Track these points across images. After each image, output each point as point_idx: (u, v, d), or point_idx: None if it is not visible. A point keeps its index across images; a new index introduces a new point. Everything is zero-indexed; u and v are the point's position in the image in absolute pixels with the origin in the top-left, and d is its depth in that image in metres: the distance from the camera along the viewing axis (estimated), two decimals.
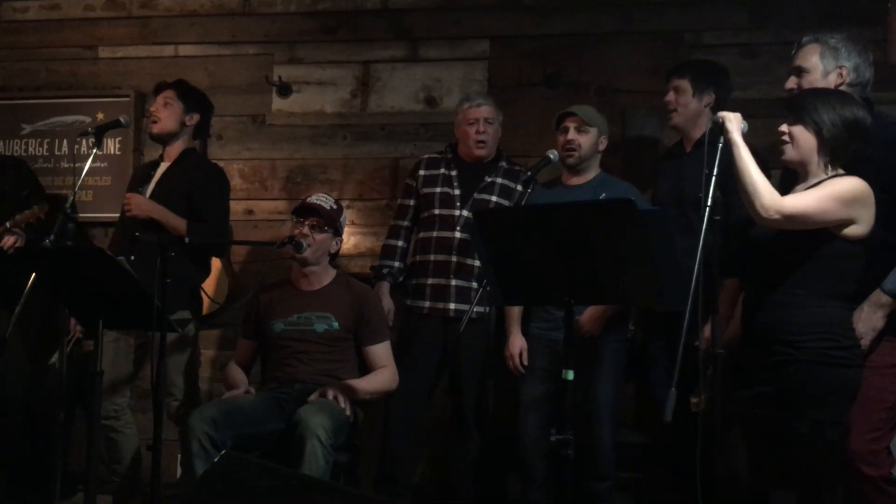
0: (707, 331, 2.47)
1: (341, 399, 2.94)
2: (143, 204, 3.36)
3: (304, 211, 3.17)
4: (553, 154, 3.17)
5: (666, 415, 2.23)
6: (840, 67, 2.69)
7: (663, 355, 3.07)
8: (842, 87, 2.66)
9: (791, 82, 2.77)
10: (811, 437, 2.40)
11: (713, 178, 2.39)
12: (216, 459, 2.33)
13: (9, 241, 3.37)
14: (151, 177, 3.49)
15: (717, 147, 2.44)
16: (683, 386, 2.28)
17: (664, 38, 3.88)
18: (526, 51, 4.00)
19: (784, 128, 2.55)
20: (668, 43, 3.88)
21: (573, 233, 2.23)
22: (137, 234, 2.98)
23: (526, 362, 3.23)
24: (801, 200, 2.44)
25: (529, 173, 3.05)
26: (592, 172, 3.28)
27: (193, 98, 3.49)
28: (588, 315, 3.16)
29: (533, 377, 3.23)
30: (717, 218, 2.39)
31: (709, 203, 2.37)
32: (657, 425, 2.65)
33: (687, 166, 3.12)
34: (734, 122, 2.48)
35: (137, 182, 3.53)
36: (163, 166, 3.49)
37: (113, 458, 3.37)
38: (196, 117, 3.49)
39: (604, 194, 3.13)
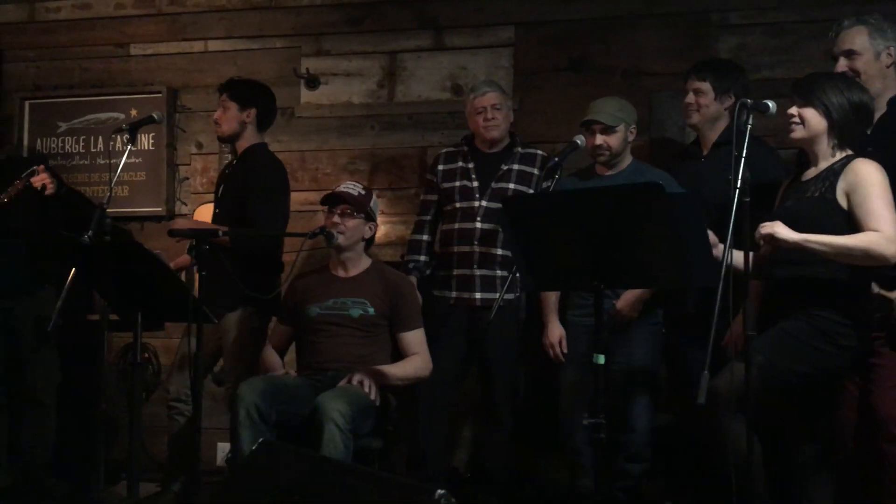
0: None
1: (366, 384, 2.97)
2: (186, 225, 3.43)
3: (333, 199, 3.21)
4: (580, 139, 3.18)
5: (700, 397, 2.25)
6: (888, 47, 2.71)
7: (695, 339, 3.06)
8: (890, 67, 2.68)
9: (842, 65, 2.76)
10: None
11: (742, 161, 2.39)
12: (254, 448, 2.38)
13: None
14: (224, 176, 3.57)
15: (747, 129, 2.45)
16: (716, 368, 2.30)
17: (690, 19, 3.86)
18: (551, 36, 4.00)
19: (793, 110, 2.59)
20: (694, 24, 3.85)
21: (602, 218, 2.24)
22: (170, 229, 3.04)
23: (566, 350, 3.25)
24: (886, 219, 2.48)
25: (557, 159, 3.06)
26: (626, 162, 3.29)
27: (245, 94, 3.52)
28: (624, 300, 3.17)
29: (572, 364, 3.25)
30: (747, 200, 2.39)
31: (738, 185, 2.38)
32: (690, 408, 2.65)
33: (706, 170, 3.11)
34: (779, 229, 2.49)
35: (217, 184, 3.63)
36: (231, 165, 3.56)
37: (170, 438, 3.46)
38: (253, 112, 3.52)
39: None
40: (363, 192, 3.24)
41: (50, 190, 3.35)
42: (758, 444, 2.46)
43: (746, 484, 2.37)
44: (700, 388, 2.26)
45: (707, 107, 3.17)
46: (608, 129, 3.19)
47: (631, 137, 3.27)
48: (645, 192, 2.28)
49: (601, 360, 2.33)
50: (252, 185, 3.40)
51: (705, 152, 3.22)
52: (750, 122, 2.45)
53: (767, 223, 2.53)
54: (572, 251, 2.33)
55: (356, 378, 2.98)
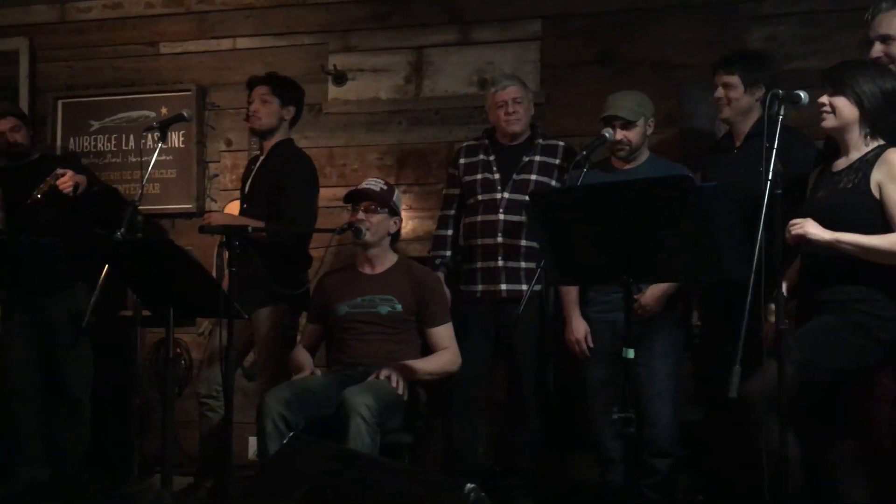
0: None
1: (393, 378, 2.98)
2: (220, 219, 3.46)
3: (355, 197, 3.22)
4: (608, 133, 3.16)
5: (731, 391, 2.22)
6: None
7: (725, 332, 3.03)
8: None
9: (877, 51, 2.71)
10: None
11: (773, 152, 2.36)
12: (284, 442, 2.39)
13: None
14: (251, 172, 3.58)
15: (777, 120, 2.41)
16: (747, 362, 2.27)
17: (719, 10, 3.81)
18: (578, 29, 3.97)
19: (824, 99, 2.55)
20: (723, 14, 3.81)
21: (631, 211, 2.22)
22: (201, 225, 3.07)
23: (592, 344, 3.24)
24: None
25: (584, 153, 3.05)
26: (643, 156, 3.27)
27: (288, 91, 3.55)
28: (650, 295, 3.15)
29: (596, 360, 3.24)
30: (779, 192, 2.36)
31: (769, 176, 2.35)
32: (720, 402, 2.62)
33: (739, 162, 3.07)
34: (811, 228, 2.46)
35: (243, 180, 3.64)
36: (260, 160, 3.58)
37: (202, 434, 3.50)
38: (292, 111, 3.56)
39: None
40: (385, 188, 3.25)
41: (70, 188, 3.40)
42: (793, 443, 2.43)
43: (781, 483, 2.34)
44: (731, 382, 2.23)
45: (738, 100, 3.13)
46: (629, 124, 3.17)
47: (649, 131, 3.26)
48: (675, 185, 2.26)
49: (631, 353, 2.32)
50: (284, 181, 3.42)
51: (738, 144, 3.19)
52: (781, 112, 2.41)
53: (798, 221, 2.49)
54: (601, 245, 2.31)
55: (384, 373, 2.99)
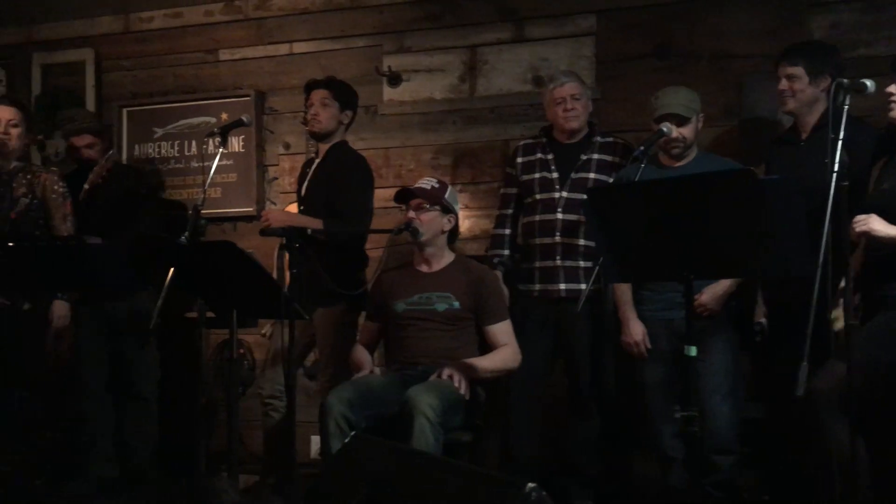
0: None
1: (455, 377, 2.98)
2: (279, 216, 3.52)
3: (405, 196, 3.24)
4: (666, 127, 3.11)
5: (798, 389, 2.17)
6: None
7: (790, 329, 2.96)
8: None
9: None
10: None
11: (839, 142, 2.30)
12: (346, 441, 2.42)
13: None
14: (307, 175, 3.64)
15: (843, 110, 2.34)
16: (814, 359, 2.21)
17: None
18: (634, 22, 3.92)
19: (893, 88, 2.47)
20: (785, 2, 3.71)
21: (691, 206, 2.18)
22: (261, 228, 3.12)
23: (649, 345, 3.20)
24: None
25: (642, 148, 3.01)
26: (693, 153, 3.22)
27: (346, 95, 3.61)
28: (711, 294, 3.10)
29: (654, 359, 3.20)
30: (845, 184, 2.30)
31: (835, 168, 2.29)
32: (785, 400, 2.56)
33: (805, 155, 2.99)
34: (875, 224, 2.41)
35: (299, 182, 3.71)
36: (315, 163, 3.64)
37: (266, 433, 3.57)
38: (350, 114, 3.62)
39: None
40: (436, 185, 3.25)
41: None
42: (862, 444, 2.36)
43: (850, 485, 2.28)
44: (798, 380, 2.18)
45: (802, 91, 3.06)
46: (684, 121, 3.12)
47: (700, 126, 3.21)
48: (737, 179, 2.21)
49: (693, 351, 2.28)
50: (340, 182, 3.46)
51: (804, 137, 3.11)
52: (847, 102, 2.35)
53: (861, 218, 2.42)
54: (660, 241, 2.28)
55: (446, 372, 3.00)
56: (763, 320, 3.17)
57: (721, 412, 3.09)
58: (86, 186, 3.75)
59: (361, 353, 3.28)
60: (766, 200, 2.10)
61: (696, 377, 2.99)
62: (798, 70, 3.06)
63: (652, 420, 3.23)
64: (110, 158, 3.85)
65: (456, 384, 2.97)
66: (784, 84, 3.09)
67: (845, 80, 2.38)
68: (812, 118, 3.08)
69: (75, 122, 3.92)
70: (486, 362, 3.13)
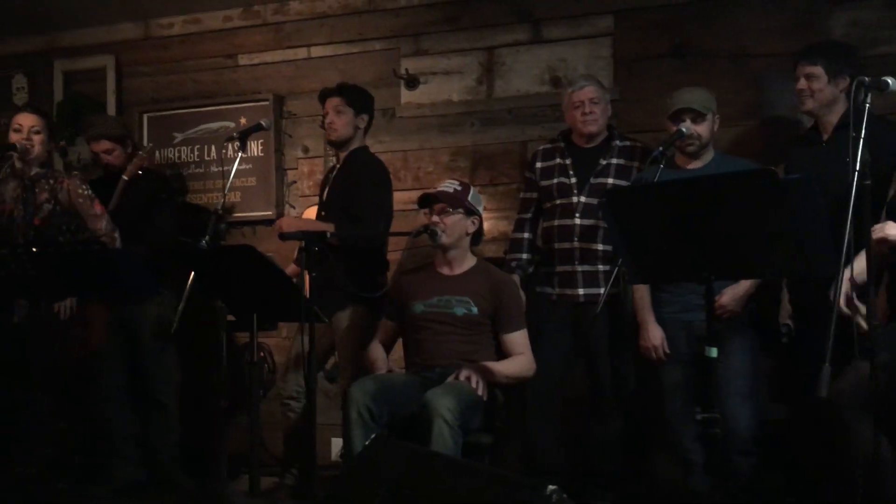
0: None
1: (474, 379, 2.98)
2: (291, 223, 3.54)
3: (428, 200, 3.24)
4: (685, 127, 3.10)
5: (821, 390, 2.15)
6: None
7: (812, 330, 2.94)
8: None
9: None
10: None
11: (861, 141, 2.27)
12: (367, 443, 2.43)
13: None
14: (328, 181, 3.67)
15: (864, 109, 2.32)
16: (837, 360, 2.19)
17: None
18: (652, 22, 3.90)
19: None
20: (803, 0, 3.68)
21: (711, 207, 2.17)
22: (280, 232, 3.14)
23: (668, 350, 3.18)
24: None
25: (661, 149, 3.00)
26: (709, 154, 3.20)
27: (360, 100, 3.62)
28: (731, 295, 3.08)
29: (673, 361, 3.19)
30: (867, 183, 2.27)
31: (857, 167, 2.26)
32: (808, 401, 2.54)
33: (827, 155, 2.97)
34: (891, 230, 2.40)
35: (321, 188, 3.73)
36: (336, 169, 3.66)
37: (285, 434, 3.59)
38: (366, 118, 3.63)
39: None
40: (459, 188, 3.25)
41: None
42: (887, 444, 2.33)
43: (874, 486, 2.25)
44: (821, 381, 2.16)
45: (821, 91, 3.03)
46: (699, 118, 3.10)
47: (715, 127, 3.19)
48: (757, 178, 2.20)
49: (714, 353, 2.27)
50: (355, 185, 3.47)
51: (826, 137, 3.08)
52: (868, 101, 2.32)
53: (878, 226, 2.40)
54: (680, 243, 2.27)
55: (464, 373, 3.01)
56: (789, 321, 3.14)
57: (741, 414, 3.07)
58: (116, 195, 3.75)
59: (376, 351, 3.28)
60: (788, 200, 2.08)
61: (717, 379, 2.98)
62: (817, 69, 3.03)
63: (672, 423, 3.21)
64: (137, 163, 3.84)
65: (473, 385, 2.98)
66: (803, 83, 3.07)
67: (866, 78, 2.35)
68: (833, 118, 3.05)
69: (94, 128, 3.96)
70: (503, 367, 3.13)
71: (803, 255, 2.13)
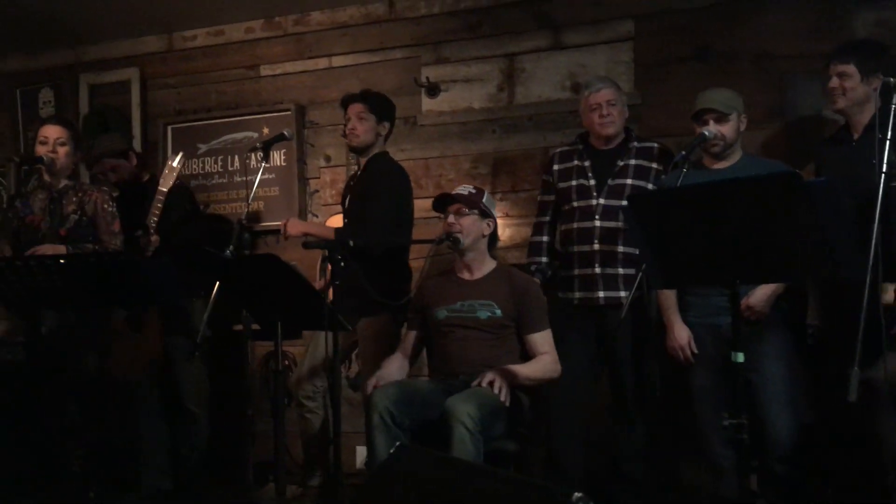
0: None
1: (496, 384, 2.97)
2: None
3: (443, 202, 3.25)
4: (708, 131, 3.08)
5: (850, 394, 2.13)
6: None
7: (841, 332, 2.90)
8: None
9: None
10: None
11: (886, 143, 2.25)
12: (392, 451, 2.43)
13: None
14: (350, 187, 3.69)
15: (891, 109, 2.30)
16: (867, 357, 2.17)
17: None
18: (673, 26, 3.89)
19: None
20: (826, 0, 3.65)
21: (735, 210, 2.15)
22: (304, 242, 3.16)
23: (696, 350, 3.16)
24: None
25: (684, 153, 2.98)
26: (737, 155, 3.17)
27: (382, 107, 3.63)
28: (757, 297, 3.05)
29: (701, 366, 3.15)
30: (894, 184, 2.25)
31: (883, 169, 2.24)
32: (840, 406, 2.51)
33: (858, 153, 2.93)
34: None
35: (343, 195, 3.75)
36: (357, 175, 3.68)
37: (304, 438, 3.61)
38: (388, 126, 3.64)
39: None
40: (473, 191, 3.27)
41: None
42: None
43: None
44: (850, 384, 2.13)
45: (853, 90, 3.01)
46: (722, 118, 3.08)
47: (742, 127, 3.16)
48: (782, 182, 2.18)
49: (740, 358, 2.25)
50: (370, 190, 3.49)
51: (856, 136, 3.05)
52: (895, 101, 2.30)
53: None
54: (705, 247, 2.25)
55: (487, 378, 3.00)
56: (816, 322, 3.10)
57: (781, 421, 3.02)
58: (156, 208, 3.73)
59: (388, 369, 3.22)
60: (814, 203, 2.06)
61: (752, 386, 2.94)
62: (850, 68, 3.01)
63: (700, 428, 3.18)
64: (169, 174, 3.72)
65: (496, 391, 2.96)
66: (835, 82, 3.04)
67: (892, 80, 2.33)
68: (864, 117, 3.02)
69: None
70: (527, 369, 3.12)
71: (830, 258, 2.10)
